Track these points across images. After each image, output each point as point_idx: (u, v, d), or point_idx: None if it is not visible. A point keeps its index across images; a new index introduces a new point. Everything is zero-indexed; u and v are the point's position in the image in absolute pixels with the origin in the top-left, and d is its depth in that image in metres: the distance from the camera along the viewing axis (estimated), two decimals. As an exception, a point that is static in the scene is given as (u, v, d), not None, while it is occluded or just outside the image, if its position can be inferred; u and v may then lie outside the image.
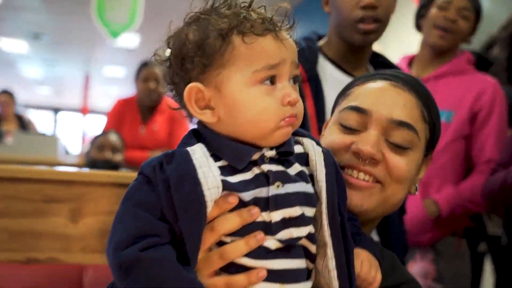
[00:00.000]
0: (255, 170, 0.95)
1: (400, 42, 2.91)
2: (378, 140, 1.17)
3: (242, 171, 0.95)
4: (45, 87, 18.33)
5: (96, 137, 3.44)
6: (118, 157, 3.33)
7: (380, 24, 1.73)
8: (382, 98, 1.22)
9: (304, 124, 1.67)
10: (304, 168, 0.99)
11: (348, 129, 1.21)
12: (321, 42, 1.87)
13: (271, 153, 0.96)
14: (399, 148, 1.18)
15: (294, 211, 0.94)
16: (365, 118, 1.19)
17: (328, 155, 1.03)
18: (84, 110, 16.27)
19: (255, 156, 0.95)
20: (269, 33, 0.94)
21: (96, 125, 21.79)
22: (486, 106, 2.34)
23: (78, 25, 9.94)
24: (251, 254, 0.94)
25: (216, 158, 0.95)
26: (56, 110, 22.87)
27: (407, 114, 1.19)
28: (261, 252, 0.94)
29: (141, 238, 0.90)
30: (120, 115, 4.03)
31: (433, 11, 2.40)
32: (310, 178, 0.99)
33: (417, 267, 2.36)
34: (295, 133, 1.03)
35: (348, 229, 1.03)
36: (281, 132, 0.94)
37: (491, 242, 2.78)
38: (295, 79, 0.99)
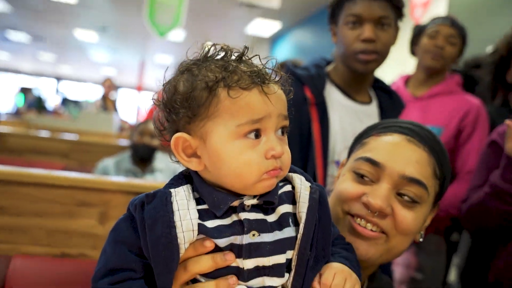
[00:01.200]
0: (234, 217, 0.84)
1: (399, 61, 2.78)
2: (389, 194, 1.06)
3: (221, 217, 0.84)
4: (109, 69, 18.74)
5: (138, 125, 3.35)
6: (156, 142, 3.21)
7: (378, 55, 1.63)
8: (397, 153, 1.10)
9: (310, 145, 1.62)
10: (289, 209, 0.87)
11: (361, 178, 1.10)
12: (329, 68, 1.77)
13: (252, 202, 0.84)
14: (408, 203, 1.07)
15: (267, 261, 0.83)
16: (378, 171, 1.08)
17: (315, 191, 0.90)
18: (139, 88, 16.52)
19: (235, 203, 0.84)
20: (255, 87, 0.81)
21: (148, 100, 22.53)
22: (470, 125, 2.26)
23: (136, 20, 10.09)
24: None
25: (201, 201, 0.84)
26: (117, 88, 23.61)
27: (420, 171, 1.07)
28: None
29: (116, 271, 0.83)
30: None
31: (424, 39, 2.34)
32: (295, 216, 0.88)
33: (400, 258, 2.25)
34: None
35: (321, 261, 0.89)
36: (265, 184, 0.82)
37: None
38: (283, 130, 0.86)
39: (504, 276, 1.84)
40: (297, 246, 0.85)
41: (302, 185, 0.89)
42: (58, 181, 1.51)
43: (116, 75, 19.80)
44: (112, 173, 3.09)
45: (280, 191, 0.88)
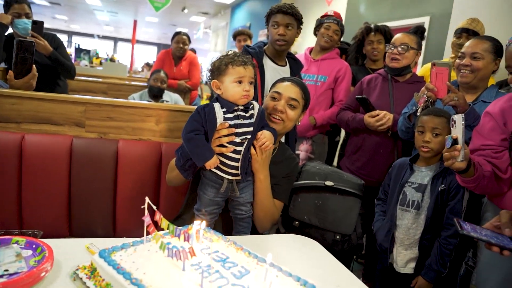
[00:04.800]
0: (235, 113, 1.18)
1: (312, 38, 2.70)
2: (284, 104, 1.36)
3: (231, 113, 1.18)
4: (110, 27, 17.26)
5: (153, 73, 3.28)
6: (164, 86, 3.28)
7: (287, 42, 1.85)
8: (287, 88, 1.39)
9: (255, 90, 1.75)
10: (252, 111, 1.22)
11: (273, 99, 1.39)
12: (265, 47, 1.97)
13: (241, 107, 1.19)
14: (291, 107, 1.37)
15: (246, 129, 1.20)
16: (280, 96, 1.37)
17: (260, 107, 1.24)
18: (133, 41, 15.55)
19: (236, 108, 1.18)
20: (240, 65, 1.17)
21: (140, 51, 20.68)
22: (341, 75, 2.44)
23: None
24: (229, 143, 1.18)
25: (222, 108, 1.18)
26: (115, 40, 21.57)
27: (295, 95, 1.38)
28: (232, 143, 1.19)
29: (194, 130, 1.16)
30: (163, 60, 3.86)
31: (322, 29, 2.47)
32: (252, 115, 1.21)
33: (303, 147, 2.51)
34: (250, 102, 1.22)
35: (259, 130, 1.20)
36: (242, 100, 1.18)
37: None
38: (251, 82, 1.19)
39: (346, 148, 2.22)
40: (254, 127, 1.20)
41: (256, 105, 1.23)
42: (137, 105, 1.71)
43: (114, 31, 18.22)
44: (138, 103, 3.00)
45: (250, 106, 1.20)
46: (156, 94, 3.25)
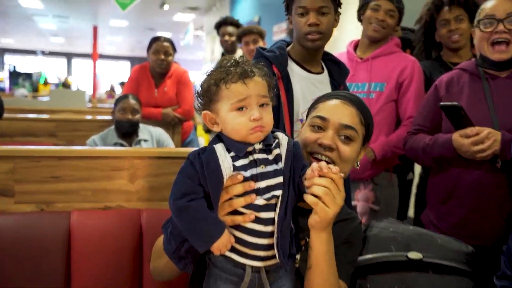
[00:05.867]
0: (250, 158, 1.16)
1: (356, 27, 2.90)
2: (333, 136, 1.36)
3: (243, 157, 1.17)
4: (59, 39, 17.64)
5: (118, 100, 3.41)
6: (137, 117, 3.33)
7: (322, 35, 1.88)
8: (336, 111, 1.41)
9: (280, 109, 1.83)
10: (278, 151, 1.19)
11: (315, 129, 1.40)
12: (289, 48, 2.00)
13: (259, 146, 1.17)
14: (346, 141, 1.37)
15: (273, 181, 1.17)
16: (325, 123, 1.38)
17: (291, 141, 1.22)
18: (95, 56, 15.95)
19: (250, 149, 1.16)
20: (239, 80, 1.15)
21: (105, 68, 21.40)
22: (407, 78, 2.48)
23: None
24: (246, 206, 1.16)
25: (229, 151, 1.17)
26: (69, 57, 22.20)
27: (351, 120, 1.39)
28: (252, 206, 1.16)
29: (187, 194, 1.14)
30: (137, 80, 3.98)
31: (368, 12, 2.54)
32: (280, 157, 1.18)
33: (361, 194, 2.53)
34: (273, 131, 1.22)
35: (299, 182, 1.19)
36: (254, 135, 1.15)
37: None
38: (263, 104, 1.18)
39: (429, 196, 2.20)
40: (285, 175, 1.17)
41: (283, 139, 1.21)
42: (97, 153, 1.77)
43: (65, 43, 18.77)
44: (100, 148, 3.01)
45: (274, 143, 1.19)
46: (126, 131, 3.32)
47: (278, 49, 1.94)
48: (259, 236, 1.19)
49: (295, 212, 1.25)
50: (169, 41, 4.00)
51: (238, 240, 1.19)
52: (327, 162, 1.31)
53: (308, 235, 1.25)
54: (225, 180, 1.16)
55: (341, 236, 1.41)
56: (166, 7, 11.13)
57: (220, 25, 4.53)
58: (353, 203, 2.51)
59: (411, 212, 2.93)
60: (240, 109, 1.17)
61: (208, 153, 1.17)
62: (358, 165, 1.45)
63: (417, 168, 2.93)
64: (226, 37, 4.47)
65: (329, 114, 1.41)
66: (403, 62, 2.53)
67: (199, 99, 1.23)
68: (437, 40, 2.67)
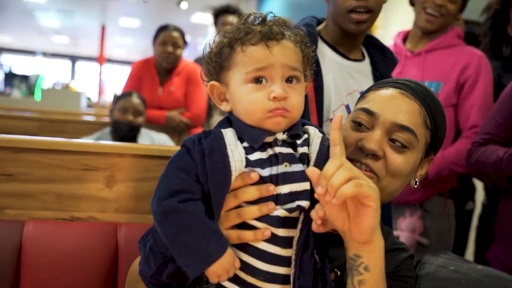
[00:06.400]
0: (269, 151, 1.09)
1: (404, 14, 2.97)
2: (381, 139, 1.29)
3: (260, 149, 1.10)
4: (62, 38, 18.27)
5: (119, 98, 3.45)
6: (140, 120, 3.36)
7: (371, 14, 1.80)
8: (390, 104, 1.33)
9: (305, 104, 1.81)
10: (306, 150, 1.12)
11: (358, 126, 1.34)
12: (320, 27, 1.95)
13: (283, 136, 1.10)
14: (399, 148, 1.29)
15: (298, 186, 1.08)
16: (373, 119, 1.32)
17: (324, 140, 1.15)
18: (101, 59, 16.30)
19: (269, 139, 1.09)
20: (261, 42, 1.09)
21: (112, 73, 21.86)
22: (471, 78, 2.44)
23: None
24: (260, 218, 1.08)
25: (241, 140, 1.10)
26: (73, 59, 22.82)
27: (410, 120, 1.31)
28: (268, 218, 1.08)
29: (179, 192, 1.06)
30: (139, 77, 4.02)
31: None
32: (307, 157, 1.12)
33: (405, 223, 2.49)
34: (303, 124, 1.17)
35: None
36: (272, 121, 1.08)
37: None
38: (290, 79, 1.12)
39: (499, 229, 2.12)
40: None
41: (315, 134, 1.14)
42: (65, 146, 1.71)
43: (69, 44, 19.30)
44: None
45: (301, 140, 1.13)
46: (126, 134, 3.33)
47: (306, 27, 1.87)
48: (275, 262, 1.10)
49: (321, 238, 1.18)
50: (179, 30, 4.06)
51: (245, 266, 1.11)
52: (370, 176, 1.28)
53: (339, 266, 1.24)
54: (233, 178, 1.09)
55: (386, 269, 1.26)
56: (183, 5, 11.48)
57: (219, 13, 4.53)
58: (395, 233, 2.46)
59: (469, 251, 2.92)
60: (258, 81, 1.10)
61: (212, 138, 1.10)
62: (417, 183, 1.39)
63: (479, 195, 2.94)
64: (228, 28, 4.53)
65: (379, 108, 1.33)
66: (466, 58, 2.48)
67: (206, 66, 1.18)
68: (510, 35, 2.55)
